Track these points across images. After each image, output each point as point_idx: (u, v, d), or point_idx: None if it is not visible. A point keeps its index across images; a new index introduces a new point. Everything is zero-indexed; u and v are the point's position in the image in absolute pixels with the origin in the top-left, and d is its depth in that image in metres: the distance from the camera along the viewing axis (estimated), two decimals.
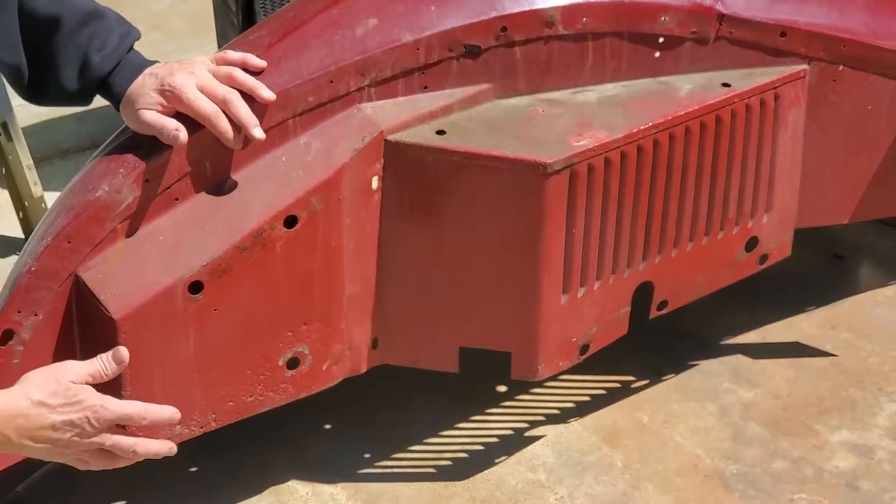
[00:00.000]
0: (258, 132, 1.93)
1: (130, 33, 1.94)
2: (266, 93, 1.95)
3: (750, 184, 2.36)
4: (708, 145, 2.25)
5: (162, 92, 1.89)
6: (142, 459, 1.83)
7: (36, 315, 1.92)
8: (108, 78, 1.90)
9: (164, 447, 1.84)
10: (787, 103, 2.33)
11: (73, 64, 1.88)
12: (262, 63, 1.99)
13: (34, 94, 1.93)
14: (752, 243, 2.44)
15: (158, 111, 1.89)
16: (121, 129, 2.06)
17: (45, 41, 1.87)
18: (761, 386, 2.67)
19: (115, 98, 1.92)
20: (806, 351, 2.78)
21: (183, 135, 1.88)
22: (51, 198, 3.21)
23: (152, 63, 1.94)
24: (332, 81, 2.04)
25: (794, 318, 2.89)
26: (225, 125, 1.90)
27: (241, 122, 1.91)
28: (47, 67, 1.89)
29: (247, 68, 1.97)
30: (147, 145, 1.94)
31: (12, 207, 3.34)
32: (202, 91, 1.90)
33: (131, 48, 1.94)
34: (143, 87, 1.90)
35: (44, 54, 1.88)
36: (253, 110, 1.94)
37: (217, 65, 1.96)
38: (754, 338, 2.83)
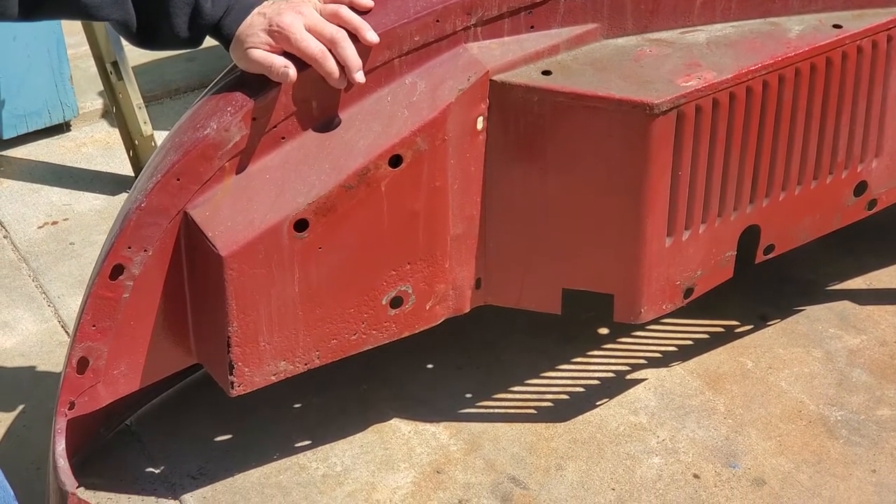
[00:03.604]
0: (360, 76, 1.93)
1: None
2: (370, 35, 1.94)
3: (859, 128, 2.32)
4: (818, 87, 2.21)
5: (270, 32, 1.89)
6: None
7: (145, 251, 1.95)
8: (220, 22, 1.91)
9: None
10: None
11: (184, 11, 1.88)
12: (368, 3, 1.99)
13: (144, 41, 1.93)
14: (860, 188, 2.41)
15: (266, 50, 1.90)
16: (228, 68, 2.07)
17: None
18: (868, 332, 2.64)
19: (226, 40, 1.93)
20: None
21: (292, 71, 1.89)
22: (160, 136, 3.25)
23: (261, 2, 1.94)
24: (438, 21, 2.03)
25: None
26: (332, 66, 1.91)
27: (345, 63, 1.92)
28: (158, 16, 1.89)
29: (354, 7, 1.97)
30: (255, 84, 1.96)
31: (123, 145, 3.38)
32: (310, 31, 1.90)
33: None
34: (252, 27, 1.90)
35: (154, 4, 1.88)
36: (358, 50, 1.94)
37: (324, 3, 1.96)
38: (861, 284, 2.80)
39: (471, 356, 2.63)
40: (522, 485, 2.30)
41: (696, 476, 2.30)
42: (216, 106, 1.96)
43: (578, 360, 2.61)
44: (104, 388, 2.06)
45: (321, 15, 1.93)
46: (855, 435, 2.38)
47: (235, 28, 1.91)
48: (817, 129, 2.26)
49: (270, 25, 1.89)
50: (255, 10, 1.91)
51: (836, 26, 2.23)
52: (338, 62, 1.92)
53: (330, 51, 1.91)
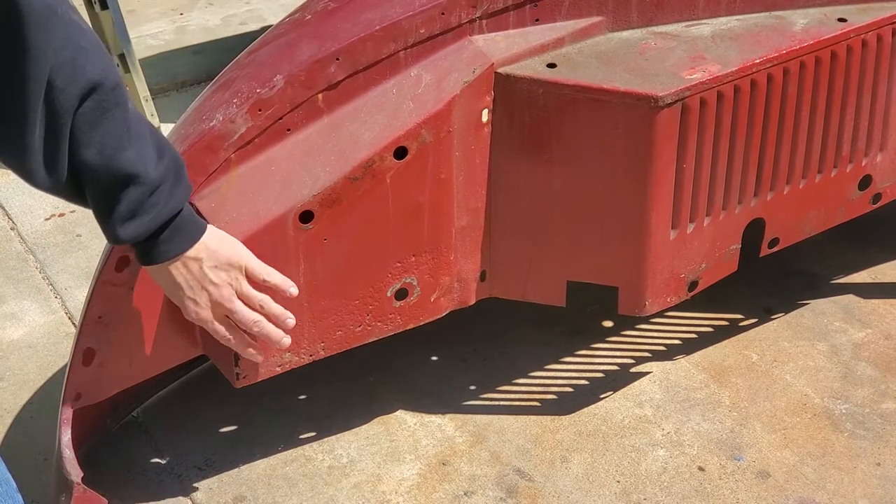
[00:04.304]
0: (286, 342, 1.97)
1: (168, 206, 1.72)
2: (293, 289, 1.96)
3: (864, 121, 2.32)
4: (822, 81, 2.21)
5: (211, 300, 1.88)
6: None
7: None
8: (134, 247, 1.79)
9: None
10: None
11: (102, 220, 1.71)
12: (294, 291, 1.97)
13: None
14: (865, 182, 2.41)
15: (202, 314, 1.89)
16: (234, 60, 2.08)
17: (86, 186, 1.65)
18: (873, 326, 2.64)
19: (149, 255, 1.80)
20: None
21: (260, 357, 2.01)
22: (167, 129, 3.26)
23: (185, 244, 1.81)
24: (443, 13, 2.04)
25: None
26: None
27: (268, 339, 1.96)
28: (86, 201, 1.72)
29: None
30: (261, 77, 1.96)
31: None
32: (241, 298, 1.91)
33: (166, 226, 1.75)
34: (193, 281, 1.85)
35: (85, 195, 1.68)
36: (367, 47, 1.94)
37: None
38: (866, 277, 2.80)
39: (476, 348, 2.64)
40: (528, 477, 2.31)
41: (700, 469, 2.31)
42: (222, 98, 1.97)
43: (583, 352, 2.61)
44: (110, 379, 2.07)
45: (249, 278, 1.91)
46: (860, 428, 2.38)
47: (148, 263, 1.81)
48: (822, 123, 2.26)
49: (210, 290, 1.87)
50: (189, 256, 1.82)
51: (841, 20, 2.23)
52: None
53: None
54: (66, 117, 1.54)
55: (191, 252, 1.79)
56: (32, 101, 1.49)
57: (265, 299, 1.92)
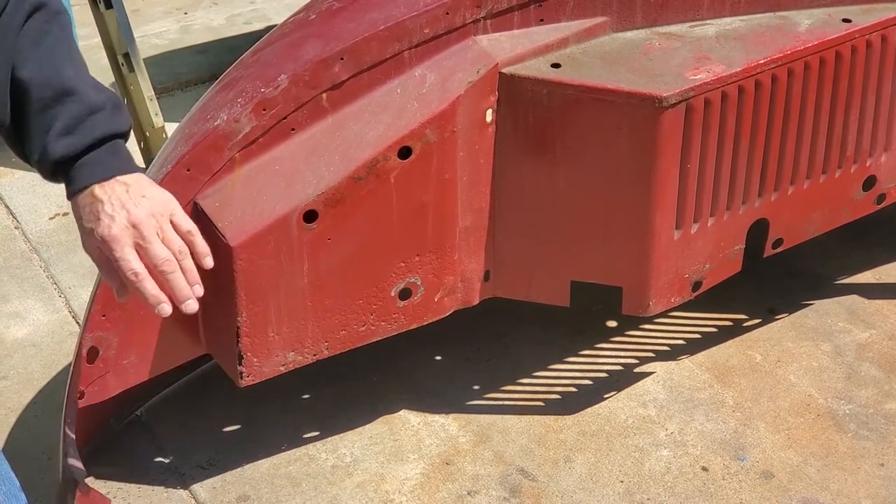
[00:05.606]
0: (191, 305, 1.66)
1: (108, 126, 1.64)
2: (208, 261, 1.69)
3: (869, 122, 2.32)
4: (827, 81, 2.21)
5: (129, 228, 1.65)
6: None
7: None
8: (65, 167, 1.65)
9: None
10: None
11: (38, 140, 1.63)
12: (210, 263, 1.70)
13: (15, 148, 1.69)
14: (869, 182, 2.41)
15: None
16: (239, 60, 2.08)
17: (24, 107, 1.61)
18: (876, 326, 2.64)
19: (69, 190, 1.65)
20: None
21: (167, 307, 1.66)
22: (171, 128, 3.26)
23: (118, 168, 1.66)
24: (448, 13, 2.04)
25: None
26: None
27: (185, 275, 1.67)
28: (23, 132, 1.65)
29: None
30: (266, 76, 1.96)
31: (133, 137, 3.39)
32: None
33: (103, 141, 1.64)
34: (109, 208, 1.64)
35: (22, 119, 1.64)
36: (371, 47, 1.94)
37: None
38: (870, 278, 2.80)
39: (480, 348, 2.64)
40: (531, 476, 2.31)
41: (704, 469, 2.31)
42: (226, 97, 1.97)
43: (587, 352, 2.61)
44: (114, 377, 2.07)
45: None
46: (863, 429, 2.38)
47: (79, 187, 1.65)
48: (826, 124, 2.26)
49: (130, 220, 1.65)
50: (119, 179, 1.65)
51: (846, 20, 2.23)
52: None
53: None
54: (12, 37, 1.55)
55: (121, 177, 1.64)
56: None
57: (185, 249, 1.68)
